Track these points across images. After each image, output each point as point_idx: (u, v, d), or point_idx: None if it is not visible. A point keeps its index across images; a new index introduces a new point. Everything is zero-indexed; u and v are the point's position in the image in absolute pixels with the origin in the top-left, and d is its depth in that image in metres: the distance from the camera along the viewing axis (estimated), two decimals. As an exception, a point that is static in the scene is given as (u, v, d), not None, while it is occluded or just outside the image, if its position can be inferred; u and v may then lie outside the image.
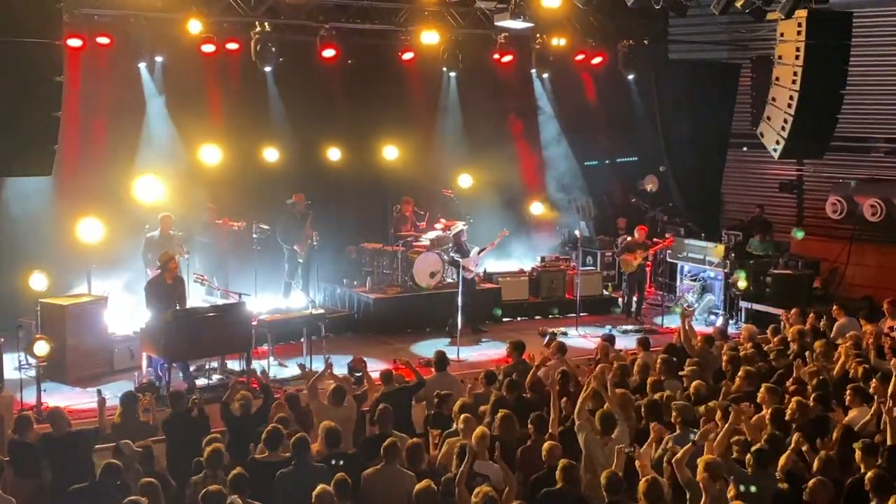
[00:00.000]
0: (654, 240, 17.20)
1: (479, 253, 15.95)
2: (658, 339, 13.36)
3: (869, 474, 6.88)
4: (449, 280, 15.94)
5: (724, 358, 10.32)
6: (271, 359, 12.89)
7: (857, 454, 7.39)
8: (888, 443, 7.66)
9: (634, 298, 16.54)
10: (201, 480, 7.55)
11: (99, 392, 9.49)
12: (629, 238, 16.69)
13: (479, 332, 15.22)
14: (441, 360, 10.52)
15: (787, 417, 8.21)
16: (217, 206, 15.01)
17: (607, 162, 19.77)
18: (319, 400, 9.29)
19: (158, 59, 14.62)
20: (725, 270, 15.97)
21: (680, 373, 9.93)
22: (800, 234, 17.77)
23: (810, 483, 6.85)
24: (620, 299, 17.03)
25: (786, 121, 14.08)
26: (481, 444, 7.73)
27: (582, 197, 19.37)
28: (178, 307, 11.80)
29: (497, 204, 17.38)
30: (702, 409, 8.46)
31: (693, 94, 18.44)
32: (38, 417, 9.81)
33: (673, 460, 7.27)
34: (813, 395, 8.79)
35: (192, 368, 12.03)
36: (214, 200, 14.96)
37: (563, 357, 10.86)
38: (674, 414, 8.23)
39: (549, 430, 8.33)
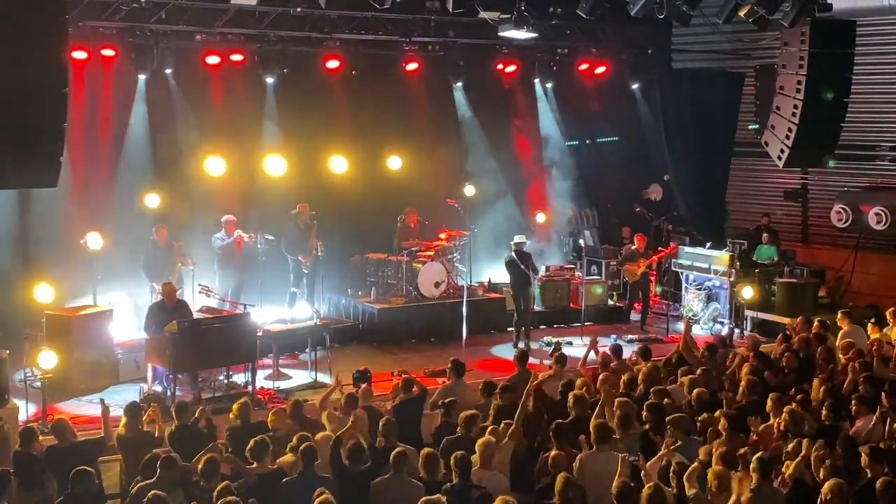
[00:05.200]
0: (658, 248, 17.19)
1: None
2: (662, 349, 13.35)
3: (878, 483, 6.85)
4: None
5: (730, 367, 10.30)
6: (275, 369, 12.89)
7: (864, 459, 7.35)
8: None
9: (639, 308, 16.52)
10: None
11: (102, 401, 9.41)
12: (632, 247, 16.70)
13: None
14: (457, 368, 10.46)
15: (794, 427, 8.19)
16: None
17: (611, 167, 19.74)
18: (331, 410, 9.29)
19: (164, 70, 14.66)
20: (731, 279, 15.96)
21: (680, 381, 9.90)
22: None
23: (825, 486, 6.76)
24: (625, 308, 17.01)
25: (790, 129, 14.09)
26: (485, 453, 7.71)
27: (586, 206, 19.36)
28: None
29: (501, 213, 17.38)
30: (702, 417, 8.45)
31: (697, 102, 18.44)
32: (44, 429, 9.81)
33: (685, 475, 7.22)
34: (824, 405, 8.78)
35: (198, 380, 12.03)
36: (225, 212, 14.94)
37: (563, 368, 10.76)
38: (671, 424, 8.21)
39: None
